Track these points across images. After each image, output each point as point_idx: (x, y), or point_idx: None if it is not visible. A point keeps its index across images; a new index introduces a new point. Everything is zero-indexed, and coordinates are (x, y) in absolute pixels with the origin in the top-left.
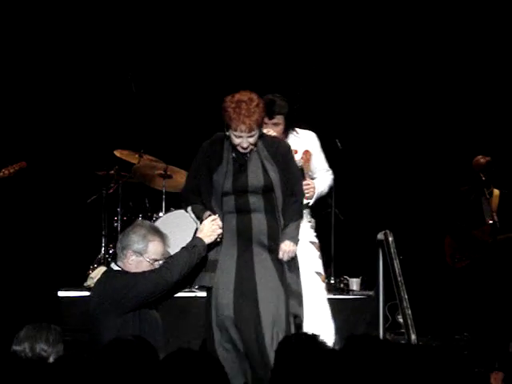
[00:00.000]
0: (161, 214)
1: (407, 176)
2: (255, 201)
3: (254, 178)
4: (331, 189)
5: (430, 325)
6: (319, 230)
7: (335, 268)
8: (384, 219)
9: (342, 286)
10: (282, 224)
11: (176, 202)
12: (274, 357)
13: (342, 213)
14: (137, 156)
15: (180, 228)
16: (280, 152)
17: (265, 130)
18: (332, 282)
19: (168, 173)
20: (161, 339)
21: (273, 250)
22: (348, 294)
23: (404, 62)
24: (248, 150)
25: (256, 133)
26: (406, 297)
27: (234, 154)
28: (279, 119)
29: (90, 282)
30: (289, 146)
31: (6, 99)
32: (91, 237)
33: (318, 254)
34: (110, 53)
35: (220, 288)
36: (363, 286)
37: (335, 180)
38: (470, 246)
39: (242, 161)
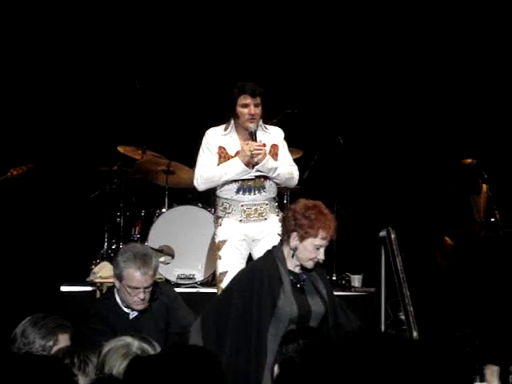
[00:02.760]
0: (163, 210)
1: (409, 173)
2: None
3: (315, 304)
4: (298, 183)
5: (432, 322)
6: None
7: (337, 265)
8: (386, 216)
9: (343, 282)
10: None
11: (179, 197)
12: (278, 350)
13: (344, 210)
14: (140, 152)
15: (182, 224)
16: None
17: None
18: (334, 278)
19: (171, 169)
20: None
21: None
22: (350, 290)
23: (406, 60)
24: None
25: None
26: (408, 294)
27: (291, 277)
28: (259, 99)
29: (93, 277)
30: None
31: (9, 98)
32: (94, 232)
33: None
34: (113, 49)
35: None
36: (365, 283)
37: (337, 176)
38: (454, 246)
39: (299, 283)
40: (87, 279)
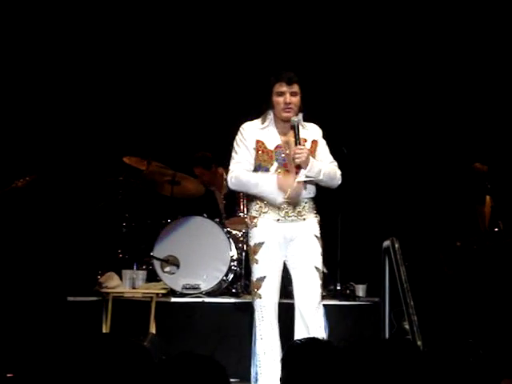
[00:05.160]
0: (169, 220)
1: (413, 183)
2: None
3: None
4: (338, 187)
5: (436, 331)
6: (326, 234)
7: (341, 274)
8: (390, 226)
9: (348, 292)
10: None
11: (184, 208)
12: (282, 362)
13: (348, 219)
14: (145, 163)
15: (188, 234)
16: None
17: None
18: (338, 288)
19: (176, 179)
20: None
21: None
22: (354, 300)
23: (409, 69)
24: None
25: None
26: (412, 303)
27: None
28: (297, 88)
29: (99, 288)
30: None
31: (17, 109)
32: (100, 242)
33: (320, 250)
34: (119, 60)
35: None
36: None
37: (342, 186)
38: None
39: None
40: (94, 289)
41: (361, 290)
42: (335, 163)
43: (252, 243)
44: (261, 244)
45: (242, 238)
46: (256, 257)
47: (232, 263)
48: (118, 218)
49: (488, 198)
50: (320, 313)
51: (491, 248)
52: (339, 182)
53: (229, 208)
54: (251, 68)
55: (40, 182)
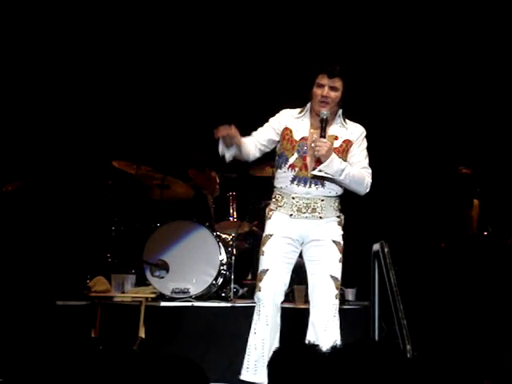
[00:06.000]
0: (158, 225)
1: (403, 187)
2: None
3: None
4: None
5: (426, 335)
6: None
7: None
8: (379, 230)
9: None
10: None
11: (173, 212)
12: (268, 367)
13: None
14: (134, 166)
15: (177, 238)
16: None
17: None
18: None
19: (165, 183)
20: None
21: None
22: (344, 304)
23: (398, 73)
24: None
25: None
26: (402, 307)
27: None
28: (338, 83)
29: (88, 292)
30: None
31: (3, 114)
32: (89, 246)
33: (339, 256)
34: (108, 66)
35: None
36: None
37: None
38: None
39: None
40: (83, 293)
41: (350, 293)
42: (369, 170)
43: (264, 234)
44: (269, 236)
45: (231, 242)
46: (263, 248)
47: (221, 267)
48: (108, 221)
49: (476, 201)
50: (333, 325)
51: (479, 251)
52: (367, 190)
53: (219, 212)
54: (241, 72)
55: (30, 187)
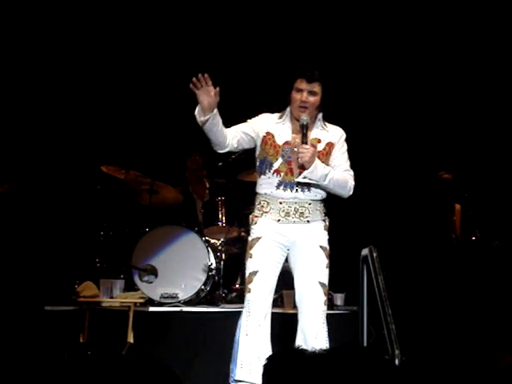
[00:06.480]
0: (147, 229)
1: (392, 192)
2: None
3: None
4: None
5: (414, 340)
6: None
7: None
8: (368, 235)
9: None
10: None
11: (162, 217)
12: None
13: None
14: (123, 171)
15: (166, 243)
16: None
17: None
18: None
19: (154, 188)
20: None
21: None
22: (332, 309)
23: (383, 78)
24: None
25: None
26: (390, 312)
27: None
28: (317, 88)
29: (76, 297)
30: None
31: None
32: (77, 251)
33: (326, 262)
34: (97, 70)
35: None
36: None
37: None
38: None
39: None
40: (71, 298)
41: (339, 298)
42: (351, 172)
43: (250, 239)
44: (257, 239)
45: (220, 247)
46: (251, 251)
47: (210, 272)
48: (96, 226)
49: (457, 206)
50: (323, 332)
51: (464, 255)
52: (350, 192)
53: (208, 217)
54: (233, 78)
55: (17, 190)
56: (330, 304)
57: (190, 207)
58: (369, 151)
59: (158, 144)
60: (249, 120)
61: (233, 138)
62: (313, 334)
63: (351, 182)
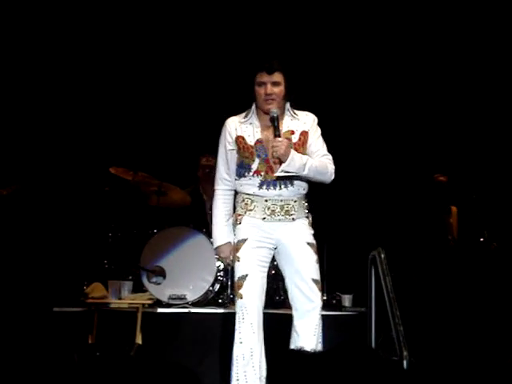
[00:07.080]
0: (155, 231)
1: (400, 193)
2: None
3: None
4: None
5: (422, 341)
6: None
7: (328, 284)
8: (376, 236)
9: (334, 302)
10: None
11: (170, 218)
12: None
13: (334, 230)
14: (131, 173)
15: (174, 245)
16: None
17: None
18: (325, 298)
19: (162, 189)
20: None
21: None
22: (340, 310)
23: (379, 81)
24: None
25: None
26: (398, 313)
27: None
28: (279, 77)
29: (85, 298)
30: None
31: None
32: (86, 253)
33: (315, 258)
34: (104, 72)
35: None
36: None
37: (327, 197)
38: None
39: None
40: (79, 300)
41: (347, 300)
42: (329, 157)
43: (235, 240)
44: (244, 240)
45: None
46: (238, 254)
47: (218, 273)
48: (104, 228)
49: (454, 208)
50: (319, 329)
51: (463, 257)
52: (332, 177)
53: None
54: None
55: (25, 191)
56: (338, 305)
57: (198, 208)
58: (366, 154)
59: (166, 146)
60: (220, 141)
61: (232, 181)
62: (311, 332)
63: (331, 167)
